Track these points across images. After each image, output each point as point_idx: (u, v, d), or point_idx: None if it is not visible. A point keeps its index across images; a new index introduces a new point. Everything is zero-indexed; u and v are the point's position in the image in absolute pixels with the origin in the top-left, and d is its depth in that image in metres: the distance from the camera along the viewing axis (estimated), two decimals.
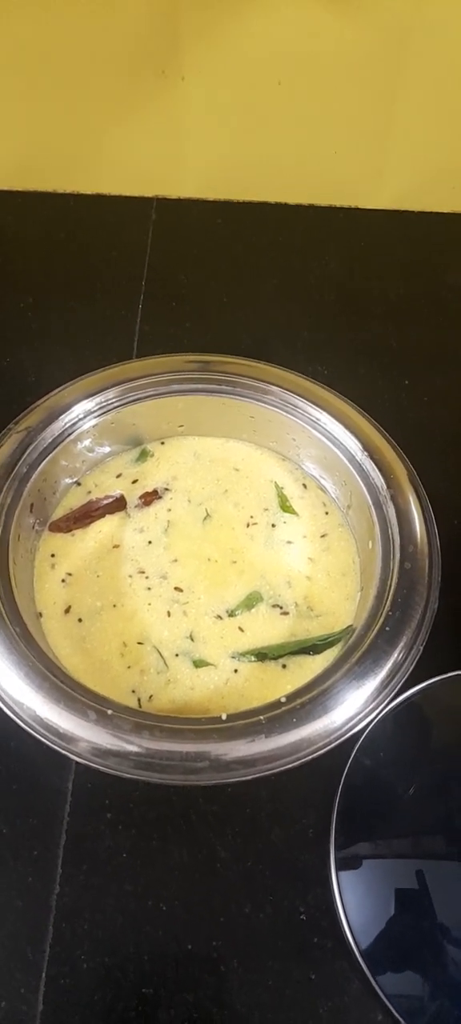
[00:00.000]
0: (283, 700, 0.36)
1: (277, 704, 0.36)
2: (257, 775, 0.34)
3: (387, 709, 0.40)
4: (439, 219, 0.77)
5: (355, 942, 0.36)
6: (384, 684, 0.37)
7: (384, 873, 0.38)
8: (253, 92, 0.72)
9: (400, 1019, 0.34)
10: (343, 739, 0.35)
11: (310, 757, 0.35)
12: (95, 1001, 0.35)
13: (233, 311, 0.68)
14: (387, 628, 0.38)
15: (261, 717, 0.35)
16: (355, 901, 0.37)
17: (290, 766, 0.34)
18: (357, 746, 0.41)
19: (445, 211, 0.77)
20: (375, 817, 0.40)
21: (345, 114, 0.72)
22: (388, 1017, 0.34)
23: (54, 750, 0.39)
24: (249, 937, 0.36)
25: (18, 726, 0.39)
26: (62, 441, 0.47)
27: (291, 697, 0.36)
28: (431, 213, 0.77)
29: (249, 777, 0.34)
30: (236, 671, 0.41)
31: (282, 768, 0.34)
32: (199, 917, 0.37)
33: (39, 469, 0.45)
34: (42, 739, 0.35)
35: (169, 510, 0.48)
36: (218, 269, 0.73)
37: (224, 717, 0.36)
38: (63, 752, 0.34)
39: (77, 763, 0.40)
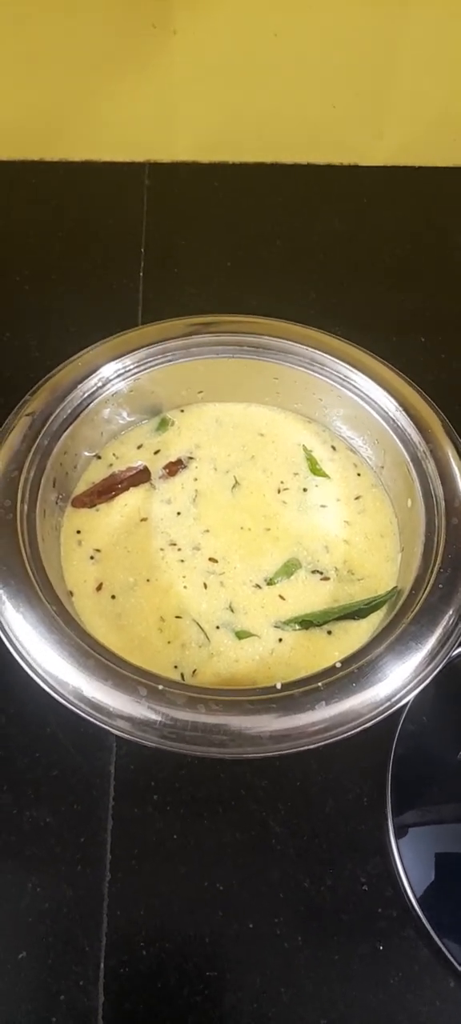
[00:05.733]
0: (338, 665, 0.35)
1: (332, 670, 0.35)
2: (320, 744, 0.33)
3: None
4: (440, 174, 0.75)
5: (421, 909, 0.35)
6: (442, 642, 0.35)
7: (444, 837, 0.37)
8: (248, 45, 0.69)
9: None
10: (405, 700, 0.34)
11: (372, 722, 0.33)
12: (158, 988, 0.33)
13: (237, 275, 0.66)
14: (440, 586, 0.37)
15: (319, 684, 0.34)
16: (417, 868, 0.36)
17: (353, 732, 0.33)
18: (405, 711, 0.40)
19: (446, 165, 0.75)
20: (430, 782, 0.39)
21: (344, 66, 0.70)
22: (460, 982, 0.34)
23: (93, 734, 0.38)
24: (311, 912, 0.35)
25: (53, 711, 0.37)
26: (82, 411, 0.44)
27: (346, 662, 0.35)
28: (432, 168, 0.75)
29: (312, 747, 0.32)
30: (281, 640, 0.40)
31: (344, 735, 0.33)
32: (258, 895, 0.36)
33: (60, 441, 0.42)
34: (90, 719, 0.32)
35: (195, 479, 0.46)
36: (218, 233, 0.70)
37: (279, 686, 0.34)
38: (113, 731, 0.32)
39: (118, 746, 0.39)
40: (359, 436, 0.47)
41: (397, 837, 0.37)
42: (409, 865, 0.36)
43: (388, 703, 0.34)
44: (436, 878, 0.36)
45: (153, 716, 0.32)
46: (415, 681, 0.34)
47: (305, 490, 0.46)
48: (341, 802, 0.38)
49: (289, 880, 0.36)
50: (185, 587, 0.41)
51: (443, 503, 0.40)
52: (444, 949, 0.34)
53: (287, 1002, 0.33)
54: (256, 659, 0.39)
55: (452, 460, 0.42)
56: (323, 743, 0.33)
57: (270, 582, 0.42)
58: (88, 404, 0.44)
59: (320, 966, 0.34)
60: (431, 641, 0.35)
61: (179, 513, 0.44)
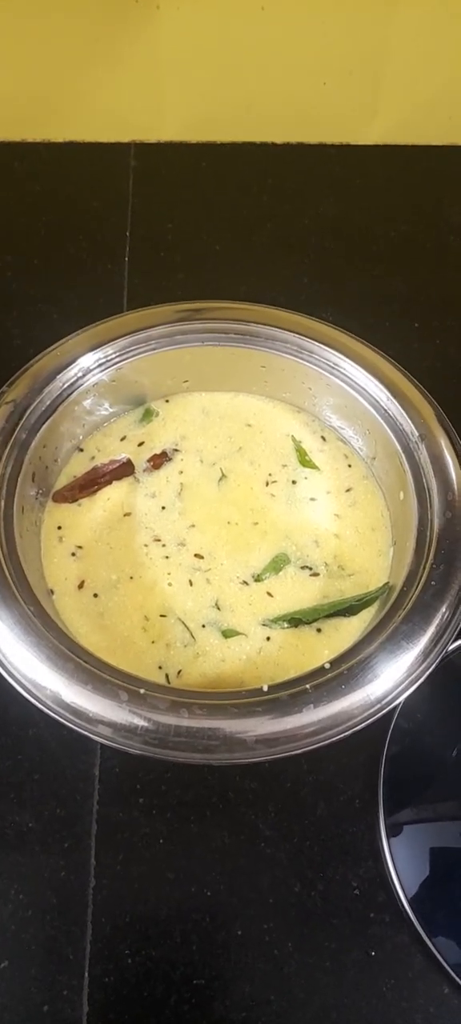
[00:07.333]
0: (327, 666, 0.34)
1: (321, 671, 0.33)
2: (308, 748, 0.31)
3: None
4: (436, 152, 0.73)
5: (414, 914, 0.34)
6: (434, 641, 0.34)
7: (439, 839, 0.36)
8: (234, 20, 0.66)
9: None
10: (396, 702, 0.33)
11: (363, 724, 0.32)
12: (144, 997, 0.32)
13: (226, 260, 0.64)
14: (433, 582, 0.35)
15: (307, 686, 0.32)
16: (410, 871, 0.35)
17: (342, 736, 0.32)
18: (398, 710, 0.39)
19: (442, 144, 0.73)
20: (423, 782, 0.38)
21: (335, 41, 0.67)
22: (455, 989, 0.33)
23: (77, 736, 0.36)
24: (302, 918, 0.34)
25: (35, 712, 0.36)
26: (62, 402, 0.42)
27: (335, 662, 0.34)
28: (427, 147, 0.73)
29: (299, 751, 0.31)
30: (268, 639, 0.38)
31: (332, 739, 0.32)
32: (247, 901, 0.35)
33: (39, 434, 0.41)
34: (70, 725, 0.31)
35: (181, 472, 0.45)
36: (206, 216, 0.68)
37: (265, 688, 0.33)
38: (94, 738, 0.31)
39: (102, 747, 0.38)
40: (350, 426, 0.46)
41: (390, 839, 0.36)
42: (402, 868, 0.35)
43: (379, 705, 0.33)
44: (429, 879, 0.35)
45: (135, 721, 0.31)
46: (407, 681, 0.33)
47: (294, 482, 0.45)
48: (333, 804, 0.37)
49: (279, 885, 0.35)
50: (170, 584, 0.40)
51: (436, 496, 0.39)
52: (438, 955, 0.33)
53: (277, 1011, 0.33)
54: (243, 659, 0.38)
55: (445, 451, 0.40)
56: (312, 747, 0.31)
57: (258, 578, 0.40)
58: (68, 395, 0.43)
59: (311, 973, 0.33)
60: (424, 640, 0.34)
61: (164, 507, 0.43)
